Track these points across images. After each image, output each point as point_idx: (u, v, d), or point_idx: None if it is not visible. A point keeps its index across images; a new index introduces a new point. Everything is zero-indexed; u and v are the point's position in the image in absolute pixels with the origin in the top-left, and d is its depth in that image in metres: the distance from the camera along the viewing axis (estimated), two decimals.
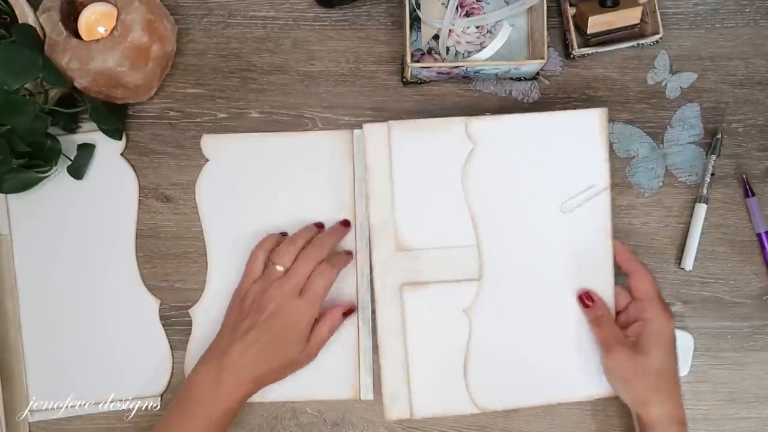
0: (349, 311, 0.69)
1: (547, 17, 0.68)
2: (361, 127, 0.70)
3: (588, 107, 0.70)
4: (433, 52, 0.73)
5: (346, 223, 0.71)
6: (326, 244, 0.68)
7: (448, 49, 0.73)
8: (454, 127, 0.68)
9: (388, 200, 0.68)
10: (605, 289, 0.68)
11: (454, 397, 0.67)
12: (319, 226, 0.71)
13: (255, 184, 0.72)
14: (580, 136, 0.67)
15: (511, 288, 0.68)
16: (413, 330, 0.68)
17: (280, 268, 0.67)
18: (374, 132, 0.68)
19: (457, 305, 0.68)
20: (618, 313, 0.68)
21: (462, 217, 0.68)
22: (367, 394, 0.70)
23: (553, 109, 0.71)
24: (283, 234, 0.71)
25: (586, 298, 0.67)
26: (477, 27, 0.73)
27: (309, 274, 0.67)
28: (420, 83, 0.73)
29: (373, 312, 0.69)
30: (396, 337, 0.68)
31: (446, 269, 0.68)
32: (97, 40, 0.65)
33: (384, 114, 0.73)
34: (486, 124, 0.68)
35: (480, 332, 0.68)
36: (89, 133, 0.72)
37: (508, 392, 0.68)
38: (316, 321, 0.67)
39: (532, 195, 0.68)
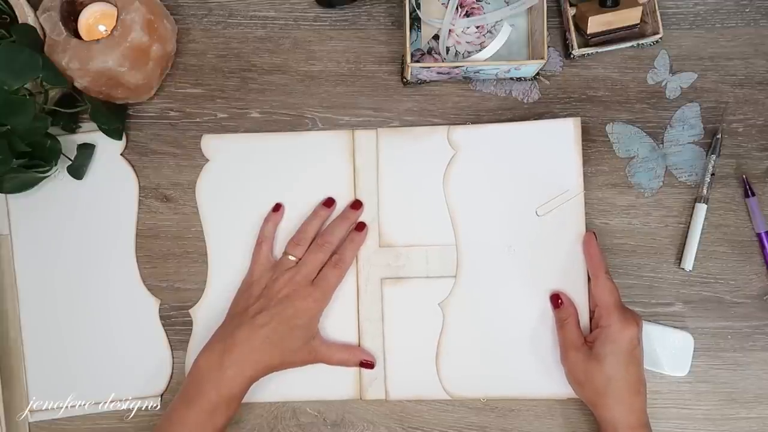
0: (367, 364, 0.70)
1: (547, 17, 0.68)
2: (361, 128, 0.72)
3: (588, 107, 0.73)
4: (433, 52, 0.73)
5: (356, 206, 0.71)
6: (336, 232, 0.70)
7: (448, 49, 0.73)
8: (437, 134, 0.72)
9: (374, 200, 0.71)
10: (577, 290, 0.70)
11: (427, 383, 0.70)
12: (329, 204, 0.71)
13: (255, 184, 0.72)
14: (555, 144, 0.71)
15: (485, 285, 0.71)
16: (391, 320, 0.71)
17: (292, 258, 0.68)
18: (363, 138, 0.72)
19: (432, 299, 0.71)
20: (593, 312, 0.69)
21: (442, 218, 0.71)
22: (373, 394, 0.70)
23: (553, 109, 0.73)
24: (276, 208, 0.71)
25: (556, 299, 0.69)
26: (477, 27, 0.73)
27: (321, 264, 0.68)
28: (420, 83, 0.73)
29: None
30: (375, 324, 0.71)
31: (425, 266, 0.71)
32: (97, 40, 0.65)
33: (384, 114, 0.73)
34: (467, 132, 0.71)
35: (453, 325, 0.70)
36: (89, 133, 0.72)
37: (477, 382, 0.70)
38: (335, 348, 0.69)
39: (509, 198, 0.71)
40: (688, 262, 0.71)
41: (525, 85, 0.73)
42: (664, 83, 0.73)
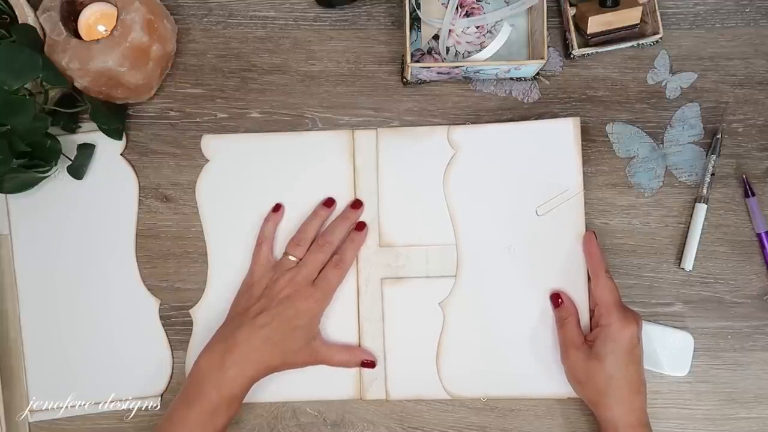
0: (368, 363, 0.70)
1: (547, 17, 0.68)
2: (361, 128, 0.73)
3: (588, 107, 0.73)
4: (433, 52, 0.73)
5: (356, 206, 0.71)
6: (337, 232, 0.70)
7: (448, 49, 0.73)
8: (437, 134, 0.72)
9: (374, 200, 0.71)
10: (577, 289, 0.70)
11: (427, 382, 0.70)
12: (329, 204, 0.71)
13: (255, 184, 0.72)
14: (555, 144, 0.71)
15: (485, 285, 0.71)
16: (391, 320, 0.71)
17: (292, 258, 0.68)
18: (363, 137, 0.72)
19: (433, 298, 0.71)
20: (593, 311, 0.69)
21: (442, 218, 0.71)
22: (373, 394, 0.70)
23: (553, 109, 0.73)
24: (276, 208, 0.71)
25: (557, 298, 0.69)
26: (477, 27, 0.73)
27: (322, 264, 0.68)
28: (420, 83, 0.73)
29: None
30: (375, 325, 0.71)
31: (425, 266, 0.71)
32: (97, 40, 0.65)
33: (384, 114, 0.73)
34: (467, 132, 0.71)
35: (453, 325, 0.70)
36: (89, 133, 0.72)
37: (478, 382, 0.70)
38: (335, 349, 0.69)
39: (509, 198, 0.71)
40: (688, 262, 0.71)
41: (525, 85, 0.73)
42: (664, 83, 0.73)
